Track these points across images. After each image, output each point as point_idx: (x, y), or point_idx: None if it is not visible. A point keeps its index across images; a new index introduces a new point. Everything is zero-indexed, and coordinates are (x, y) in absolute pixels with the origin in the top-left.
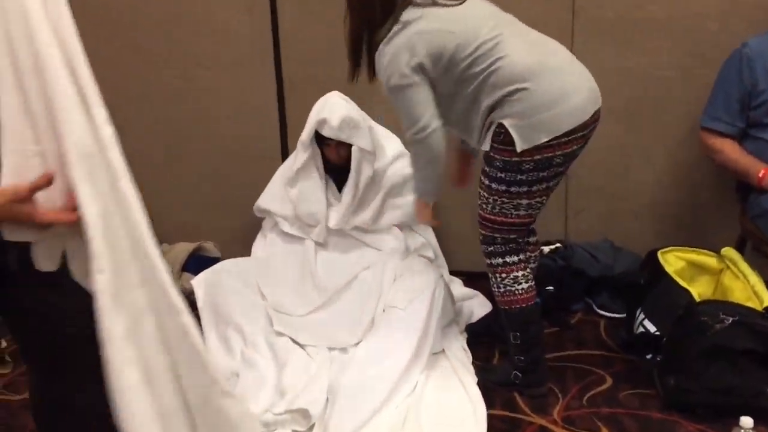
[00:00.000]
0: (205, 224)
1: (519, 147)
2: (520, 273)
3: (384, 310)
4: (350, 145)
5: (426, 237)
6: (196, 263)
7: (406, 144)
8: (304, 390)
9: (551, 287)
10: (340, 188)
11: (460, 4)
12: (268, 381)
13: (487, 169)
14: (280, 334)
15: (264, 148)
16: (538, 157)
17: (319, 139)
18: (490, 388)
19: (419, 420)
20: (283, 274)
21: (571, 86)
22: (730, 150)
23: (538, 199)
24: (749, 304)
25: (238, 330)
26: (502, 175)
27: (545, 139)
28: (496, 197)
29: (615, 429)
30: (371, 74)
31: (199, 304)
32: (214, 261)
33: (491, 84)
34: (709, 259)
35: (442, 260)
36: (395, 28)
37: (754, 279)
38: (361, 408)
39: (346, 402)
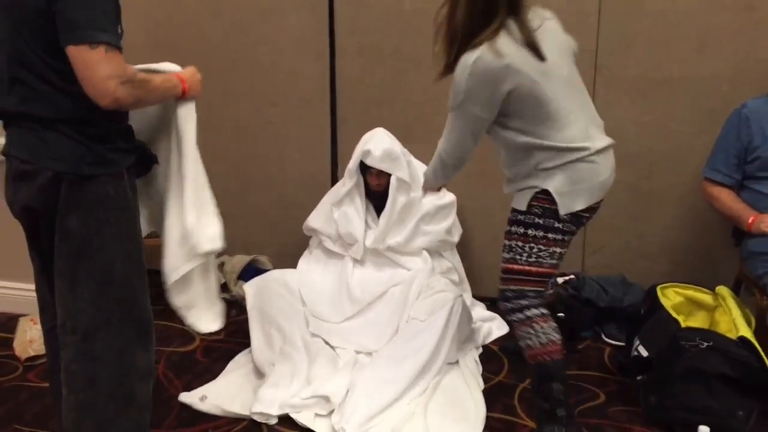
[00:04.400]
0: (260, 240)
1: (562, 210)
2: (548, 324)
3: (407, 321)
4: (390, 175)
5: (452, 262)
6: (251, 273)
7: (440, 153)
8: (329, 381)
9: (562, 314)
10: (378, 213)
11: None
12: (300, 372)
13: (521, 217)
14: (314, 335)
15: (316, 176)
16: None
17: (363, 167)
18: (494, 392)
19: (425, 417)
20: (322, 286)
21: (600, 168)
22: (726, 198)
23: (565, 250)
24: (729, 335)
25: (279, 329)
26: (541, 221)
27: (582, 207)
28: (533, 244)
29: None
30: (447, 72)
31: (248, 306)
32: (265, 272)
33: (546, 148)
34: (705, 296)
35: (466, 284)
36: (484, 50)
37: (736, 312)
38: (375, 400)
39: (363, 394)
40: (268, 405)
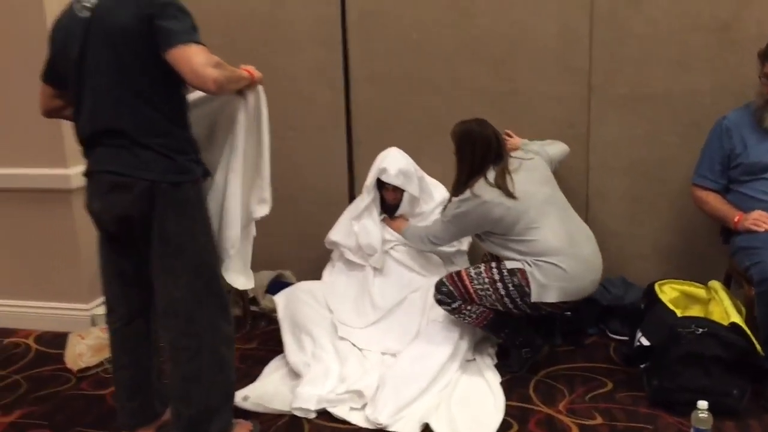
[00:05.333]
0: (285, 255)
1: (533, 298)
2: (472, 305)
3: (427, 324)
4: (403, 190)
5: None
6: (277, 287)
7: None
8: (360, 378)
9: (568, 312)
10: None
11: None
12: (333, 371)
13: (506, 272)
14: (342, 339)
15: (334, 194)
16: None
17: (379, 183)
18: (511, 383)
19: (450, 406)
20: (346, 294)
21: (580, 274)
22: (714, 201)
23: (505, 309)
24: (722, 322)
25: (309, 334)
26: (512, 288)
27: (551, 300)
28: (490, 291)
29: (607, 418)
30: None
31: (280, 315)
32: (291, 285)
33: (522, 251)
34: (699, 290)
35: None
36: (468, 194)
37: (727, 302)
38: (404, 394)
39: (393, 388)
40: (306, 401)
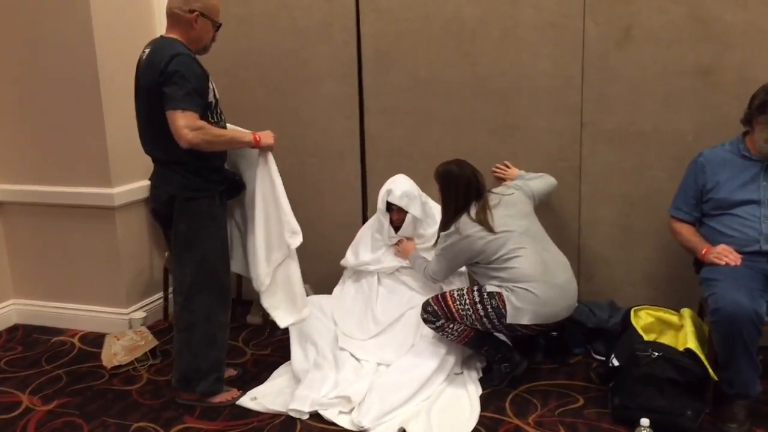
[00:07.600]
0: (304, 270)
1: (508, 320)
2: (454, 323)
3: (420, 338)
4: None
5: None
6: None
7: (427, 270)
8: (352, 385)
9: (555, 333)
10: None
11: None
12: (329, 378)
13: (486, 295)
14: (343, 349)
15: (349, 216)
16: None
17: (387, 205)
18: (490, 396)
19: (429, 414)
20: (352, 308)
21: (552, 300)
22: (686, 232)
23: (484, 329)
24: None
25: (313, 344)
26: (490, 310)
27: (525, 322)
28: (471, 312)
29: (570, 431)
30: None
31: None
32: None
33: (501, 278)
34: (672, 317)
35: None
36: (453, 229)
37: (690, 329)
38: (388, 401)
39: (378, 395)
40: (301, 403)
